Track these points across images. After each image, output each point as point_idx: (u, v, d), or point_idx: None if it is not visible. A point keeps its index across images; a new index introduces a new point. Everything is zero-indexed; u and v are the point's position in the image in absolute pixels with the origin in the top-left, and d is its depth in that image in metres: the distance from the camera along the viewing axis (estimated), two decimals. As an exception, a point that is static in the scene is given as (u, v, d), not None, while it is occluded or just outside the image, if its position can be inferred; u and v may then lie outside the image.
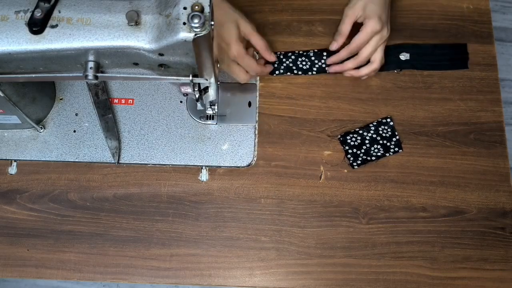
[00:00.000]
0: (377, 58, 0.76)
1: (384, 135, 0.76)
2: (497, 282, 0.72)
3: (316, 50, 0.80)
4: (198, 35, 0.49)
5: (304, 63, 0.79)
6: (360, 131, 0.77)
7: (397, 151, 0.76)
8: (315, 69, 0.79)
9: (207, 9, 0.49)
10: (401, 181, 0.75)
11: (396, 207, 0.74)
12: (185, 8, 0.49)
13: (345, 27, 0.76)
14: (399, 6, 0.84)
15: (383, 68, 0.79)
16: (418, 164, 0.76)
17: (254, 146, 0.76)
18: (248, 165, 0.75)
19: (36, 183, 0.74)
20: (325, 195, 0.75)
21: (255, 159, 0.76)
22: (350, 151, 0.76)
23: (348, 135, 0.76)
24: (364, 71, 0.77)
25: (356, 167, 0.75)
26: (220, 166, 0.75)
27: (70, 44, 0.52)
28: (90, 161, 0.74)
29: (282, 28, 0.82)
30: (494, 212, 0.74)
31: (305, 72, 0.79)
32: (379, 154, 0.76)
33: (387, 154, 0.76)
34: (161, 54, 0.53)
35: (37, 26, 0.51)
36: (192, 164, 0.75)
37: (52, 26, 0.52)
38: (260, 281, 0.71)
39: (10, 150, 0.75)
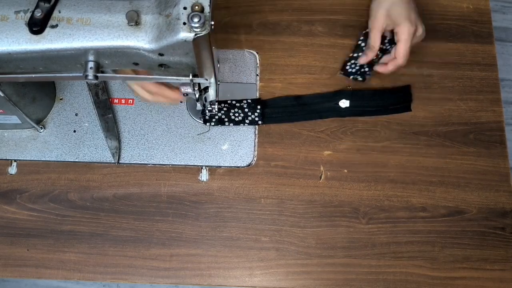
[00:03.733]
0: (401, 54, 0.71)
1: (384, 47, 0.76)
2: (497, 282, 0.72)
3: (250, 101, 0.77)
4: (198, 35, 0.49)
5: (236, 114, 0.76)
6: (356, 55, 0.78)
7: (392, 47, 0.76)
8: (247, 121, 0.76)
9: (207, 9, 0.49)
10: (401, 181, 0.75)
11: (396, 207, 0.74)
12: (185, 8, 0.49)
13: (375, 41, 0.72)
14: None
15: (322, 115, 0.77)
16: (418, 164, 0.76)
17: (254, 146, 0.76)
18: (248, 165, 0.75)
19: (36, 183, 0.74)
20: (325, 195, 0.75)
21: (255, 159, 0.76)
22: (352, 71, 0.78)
23: (347, 65, 0.78)
24: (390, 67, 0.74)
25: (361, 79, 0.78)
26: (220, 166, 0.75)
27: (70, 44, 0.52)
28: (90, 161, 0.74)
29: (282, 28, 0.82)
30: (494, 212, 0.74)
31: (237, 123, 0.76)
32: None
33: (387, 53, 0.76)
34: (161, 54, 0.53)
35: (37, 26, 0.51)
36: (192, 164, 0.75)
37: (52, 26, 0.52)
38: (260, 281, 0.71)
39: (10, 150, 0.75)
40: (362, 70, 0.78)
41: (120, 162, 0.74)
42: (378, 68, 0.76)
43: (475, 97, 0.80)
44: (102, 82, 0.75)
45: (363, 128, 0.78)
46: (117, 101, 0.77)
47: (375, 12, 0.72)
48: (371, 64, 0.76)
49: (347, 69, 0.78)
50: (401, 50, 0.71)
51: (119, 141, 0.75)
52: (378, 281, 0.71)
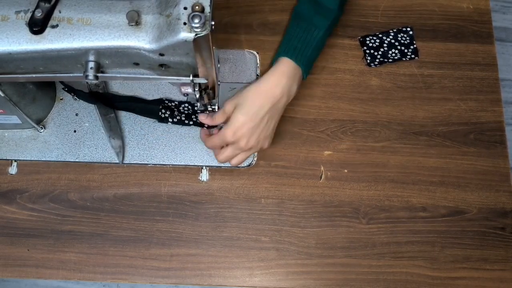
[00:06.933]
0: (233, 161, 0.70)
1: (402, 41, 0.80)
2: (497, 282, 0.72)
3: (197, 120, 0.75)
4: (199, 35, 0.49)
5: (186, 108, 0.76)
6: (380, 35, 0.81)
7: (413, 58, 0.80)
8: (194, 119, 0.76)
9: (207, 9, 0.49)
10: (401, 181, 0.75)
11: (396, 207, 0.74)
12: (185, 8, 0.49)
13: (218, 118, 0.69)
14: (399, 6, 0.84)
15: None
16: (418, 164, 0.76)
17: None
18: (248, 165, 0.75)
19: (36, 183, 0.74)
20: (325, 195, 0.75)
21: (255, 159, 0.76)
22: (368, 51, 0.80)
23: (368, 37, 0.80)
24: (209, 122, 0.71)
25: (373, 66, 0.80)
26: (220, 166, 0.75)
27: (70, 44, 0.52)
28: (90, 161, 0.74)
29: (282, 28, 0.82)
30: (494, 212, 0.74)
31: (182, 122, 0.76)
32: (396, 58, 0.80)
33: (404, 59, 0.80)
34: (161, 54, 0.53)
35: (37, 26, 0.51)
36: (192, 164, 0.75)
37: (53, 26, 0.52)
38: (260, 281, 0.71)
39: (10, 150, 0.75)
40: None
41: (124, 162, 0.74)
42: (202, 117, 0.71)
43: (475, 97, 0.80)
44: (103, 82, 0.75)
45: (363, 128, 0.78)
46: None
47: (234, 97, 0.68)
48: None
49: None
50: (213, 139, 0.68)
51: (123, 140, 0.75)
52: (378, 281, 0.71)
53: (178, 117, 0.75)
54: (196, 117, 0.75)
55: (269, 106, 0.67)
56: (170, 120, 0.75)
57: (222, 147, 0.70)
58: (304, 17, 0.72)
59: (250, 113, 0.66)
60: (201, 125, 0.75)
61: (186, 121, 0.75)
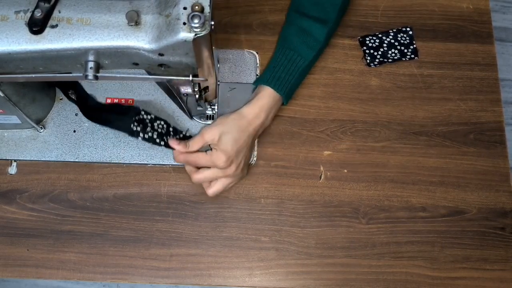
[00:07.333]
0: (214, 189, 0.69)
1: (402, 41, 0.80)
2: (497, 282, 0.72)
3: (167, 143, 0.73)
4: (198, 35, 0.49)
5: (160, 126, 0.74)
6: (380, 35, 0.81)
7: (413, 58, 0.81)
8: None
9: (207, 9, 0.49)
10: (401, 181, 0.75)
11: (396, 207, 0.74)
12: (185, 8, 0.49)
13: (195, 145, 0.67)
14: (399, 6, 0.84)
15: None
16: (418, 164, 0.76)
17: (254, 146, 0.76)
18: (248, 165, 0.75)
19: (36, 183, 0.74)
20: (325, 195, 0.75)
21: (255, 159, 0.76)
22: (367, 51, 0.80)
23: (368, 37, 0.80)
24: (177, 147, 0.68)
25: (373, 66, 0.79)
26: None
27: (70, 44, 0.52)
28: (90, 161, 0.74)
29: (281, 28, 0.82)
30: (494, 212, 0.74)
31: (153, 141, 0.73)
32: (395, 58, 0.80)
33: (403, 59, 0.80)
34: (161, 54, 0.53)
35: (37, 26, 0.51)
36: (192, 164, 0.75)
37: (52, 26, 0.52)
38: (260, 281, 0.71)
39: (10, 150, 0.75)
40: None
41: (121, 162, 0.74)
42: (172, 142, 0.69)
43: (475, 97, 0.80)
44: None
45: (363, 128, 0.78)
46: (117, 101, 0.77)
47: (214, 124, 0.68)
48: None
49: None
50: (198, 158, 0.67)
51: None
52: (378, 281, 0.71)
53: (150, 134, 0.72)
54: (167, 138, 0.73)
55: (251, 138, 0.69)
56: (141, 135, 0.72)
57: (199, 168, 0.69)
58: (291, 45, 0.74)
59: (239, 142, 0.67)
60: (171, 148, 0.69)
61: (157, 140, 0.72)
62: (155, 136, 0.73)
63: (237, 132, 0.68)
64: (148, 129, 0.73)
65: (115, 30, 0.52)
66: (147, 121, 0.73)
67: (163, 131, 0.74)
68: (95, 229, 0.72)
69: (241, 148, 0.68)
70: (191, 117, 0.75)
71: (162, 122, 0.74)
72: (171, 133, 0.74)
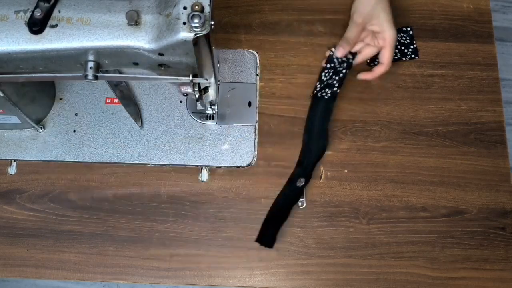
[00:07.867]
0: (388, 60, 0.74)
1: (402, 41, 0.80)
2: (497, 282, 0.72)
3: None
4: (198, 35, 0.49)
5: None
6: None
7: (413, 58, 0.81)
8: None
9: (207, 9, 0.49)
10: (401, 181, 0.75)
11: (396, 207, 0.74)
12: (185, 8, 0.49)
13: (353, 35, 0.74)
14: (399, 6, 0.84)
15: None
16: (418, 164, 0.76)
17: (254, 146, 0.76)
18: (248, 165, 0.75)
19: (36, 183, 0.74)
20: (325, 195, 0.74)
21: (255, 159, 0.76)
22: None
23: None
24: (377, 73, 0.75)
25: (373, 65, 0.78)
26: (220, 166, 0.75)
27: (70, 44, 0.52)
28: (90, 161, 0.74)
29: (282, 28, 0.82)
30: (494, 212, 0.74)
31: None
32: (396, 57, 0.79)
33: (404, 59, 0.80)
34: (161, 54, 0.53)
35: (37, 26, 0.51)
36: (192, 164, 0.75)
37: (52, 26, 0.51)
38: (260, 281, 0.71)
39: (10, 150, 0.75)
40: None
41: (123, 162, 0.74)
42: (363, 75, 0.77)
43: (475, 97, 0.80)
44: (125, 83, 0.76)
45: (363, 128, 0.78)
46: (116, 100, 0.77)
47: (360, 8, 0.72)
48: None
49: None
50: (387, 56, 0.73)
51: (138, 106, 0.75)
52: (378, 281, 0.71)
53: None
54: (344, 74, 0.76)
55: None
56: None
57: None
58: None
59: (386, 10, 0.72)
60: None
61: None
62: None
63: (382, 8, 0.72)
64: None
65: (115, 30, 0.52)
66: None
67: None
68: (95, 229, 0.72)
69: (390, 10, 0.72)
70: (141, 126, 0.76)
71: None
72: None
